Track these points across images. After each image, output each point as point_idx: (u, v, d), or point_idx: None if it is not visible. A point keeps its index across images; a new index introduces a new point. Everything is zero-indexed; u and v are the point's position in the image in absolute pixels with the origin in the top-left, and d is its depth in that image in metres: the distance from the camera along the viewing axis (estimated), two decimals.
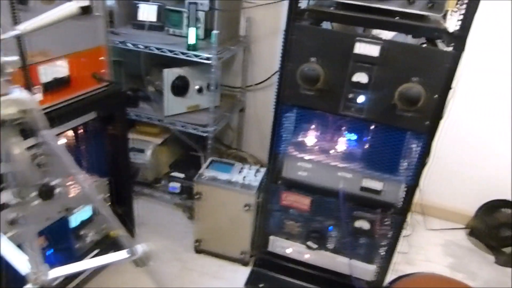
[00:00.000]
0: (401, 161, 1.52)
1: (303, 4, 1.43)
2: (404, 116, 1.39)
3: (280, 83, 1.49)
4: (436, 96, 1.34)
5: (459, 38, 1.28)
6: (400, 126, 1.44)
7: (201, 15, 1.96)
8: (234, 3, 2.15)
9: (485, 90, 2.11)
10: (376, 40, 1.33)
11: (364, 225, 1.63)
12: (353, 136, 1.55)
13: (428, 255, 2.18)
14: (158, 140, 2.24)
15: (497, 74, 2.06)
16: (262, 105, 2.46)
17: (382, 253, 1.68)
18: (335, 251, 1.74)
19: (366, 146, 1.54)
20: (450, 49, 1.31)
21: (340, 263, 1.74)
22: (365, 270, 1.72)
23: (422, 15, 1.35)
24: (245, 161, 2.47)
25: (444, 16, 1.42)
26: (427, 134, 1.42)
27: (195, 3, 1.86)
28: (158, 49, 1.92)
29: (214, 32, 1.82)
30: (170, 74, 2.00)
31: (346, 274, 1.74)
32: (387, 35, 1.49)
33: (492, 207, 2.29)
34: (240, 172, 1.85)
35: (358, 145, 1.56)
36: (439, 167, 2.28)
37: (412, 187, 1.53)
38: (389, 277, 1.71)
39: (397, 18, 1.35)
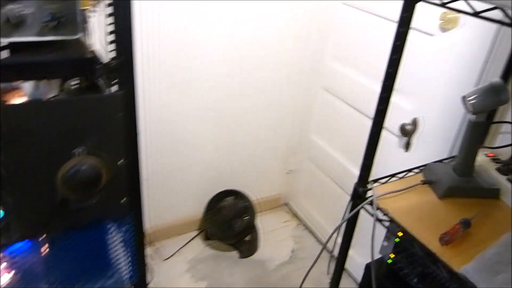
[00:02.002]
0: (113, 257, 0.99)
1: None
2: (86, 207, 0.85)
3: None
4: (122, 161, 0.85)
5: (121, 69, 0.80)
6: (87, 222, 0.89)
7: None
8: None
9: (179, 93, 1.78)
10: None
11: None
12: (29, 260, 0.89)
13: None
14: None
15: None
16: None
17: None
18: None
19: (54, 264, 0.91)
20: (115, 88, 0.81)
21: None
22: None
23: (51, 42, 0.79)
24: None
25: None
26: (132, 212, 0.94)
27: None
28: None
29: None
30: None
31: None
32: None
33: (215, 204, 2.11)
34: None
35: (41, 267, 0.91)
36: (152, 188, 1.92)
37: (140, 277, 1.05)
38: None
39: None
